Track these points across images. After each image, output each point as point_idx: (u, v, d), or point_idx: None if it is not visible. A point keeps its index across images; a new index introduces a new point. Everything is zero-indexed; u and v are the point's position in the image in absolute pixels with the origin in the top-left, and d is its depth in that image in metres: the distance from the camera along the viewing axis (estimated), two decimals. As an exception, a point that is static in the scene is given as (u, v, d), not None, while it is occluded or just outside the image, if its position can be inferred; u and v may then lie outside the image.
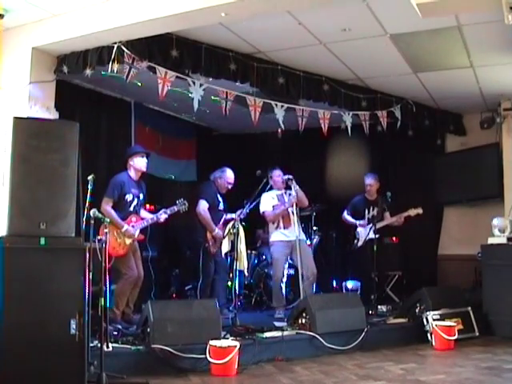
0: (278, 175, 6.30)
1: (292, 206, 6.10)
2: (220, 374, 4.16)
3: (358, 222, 6.93)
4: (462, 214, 7.92)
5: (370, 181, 7.04)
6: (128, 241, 5.20)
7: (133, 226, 5.24)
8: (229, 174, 6.34)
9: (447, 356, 5.02)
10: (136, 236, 5.26)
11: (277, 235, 6.23)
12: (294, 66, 6.09)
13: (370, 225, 6.67)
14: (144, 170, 5.42)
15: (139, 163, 5.37)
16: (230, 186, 6.34)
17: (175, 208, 5.46)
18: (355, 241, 6.88)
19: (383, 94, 6.92)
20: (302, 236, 6.26)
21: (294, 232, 6.07)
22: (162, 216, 5.38)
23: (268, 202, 6.28)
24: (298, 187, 6.09)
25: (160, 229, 6.19)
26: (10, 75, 5.23)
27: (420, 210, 6.69)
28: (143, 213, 5.50)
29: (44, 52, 5.23)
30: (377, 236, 6.41)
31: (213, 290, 6.13)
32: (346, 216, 7.08)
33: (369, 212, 6.92)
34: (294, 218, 6.12)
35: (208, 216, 6.10)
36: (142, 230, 5.37)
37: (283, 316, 5.92)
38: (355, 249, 6.92)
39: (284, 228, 6.16)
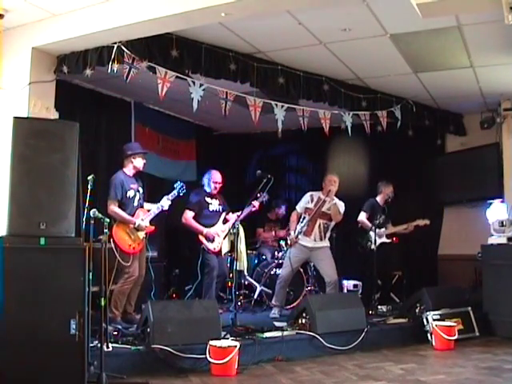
0: (329, 180, 6.19)
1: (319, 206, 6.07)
2: (220, 374, 4.16)
3: (371, 226, 6.85)
4: (462, 214, 7.91)
5: (380, 187, 7.05)
6: (142, 235, 5.32)
7: (142, 220, 5.34)
8: (214, 175, 6.32)
9: (447, 356, 5.02)
10: (147, 227, 5.37)
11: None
12: (293, 66, 6.09)
13: (382, 229, 6.85)
14: (141, 169, 5.54)
15: (139, 163, 5.47)
16: (217, 186, 6.28)
17: (175, 192, 5.57)
18: (368, 243, 6.78)
19: (383, 94, 6.91)
20: (325, 243, 6.20)
21: (313, 241, 6.11)
22: (166, 203, 5.50)
23: (302, 203, 6.29)
24: (336, 201, 6.08)
25: (160, 229, 6.19)
26: (10, 75, 5.23)
27: (427, 221, 6.86)
28: (147, 205, 5.57)
29: (44, 52, 5.23)
30: (388, 241, 6.81)
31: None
32: (364, 218, 6.92)
33: (378, 217, 6.92)
34: (318, 229, 6.12)
35: (190, 223, 6.14)
36: (151, 221, 5.45)
37: (278, 316, 5.95)
38: (367, 251, 6.79)
39: (304, 235, 6.14)
